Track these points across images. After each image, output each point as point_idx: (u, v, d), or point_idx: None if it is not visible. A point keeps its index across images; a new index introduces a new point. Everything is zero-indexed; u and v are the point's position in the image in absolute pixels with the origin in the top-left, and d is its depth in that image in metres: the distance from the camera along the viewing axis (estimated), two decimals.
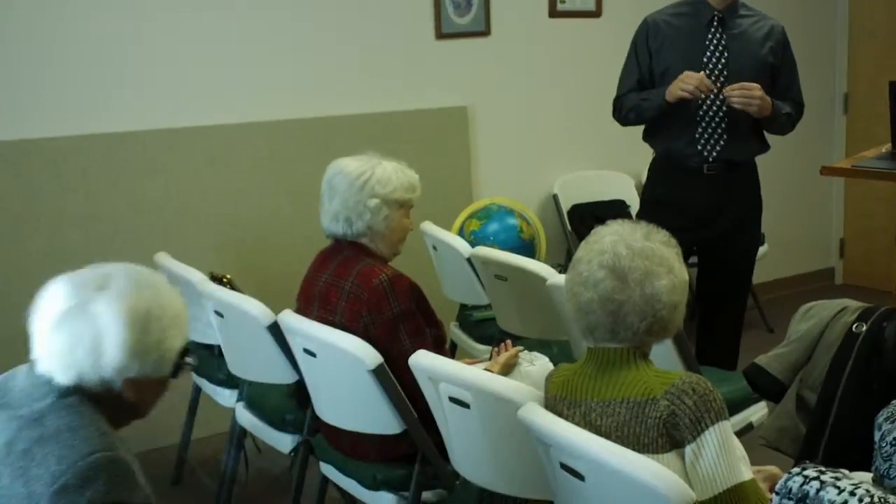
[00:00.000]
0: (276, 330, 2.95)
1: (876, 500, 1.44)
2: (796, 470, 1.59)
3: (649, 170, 3.99)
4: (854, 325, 2.46)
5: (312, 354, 2.80)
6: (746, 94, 3.55)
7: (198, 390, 3.80)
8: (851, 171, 3.62)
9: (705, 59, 3.67)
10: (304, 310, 2.92)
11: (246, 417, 3.35)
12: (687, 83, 3.55)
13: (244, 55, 4.37)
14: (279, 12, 4.43)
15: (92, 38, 4.04)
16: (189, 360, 1.94)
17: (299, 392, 3.08)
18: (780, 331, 2.75)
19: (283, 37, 4.45)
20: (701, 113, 3.68)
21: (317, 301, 2.89)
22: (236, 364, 3.30)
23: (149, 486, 1.78)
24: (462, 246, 3.82)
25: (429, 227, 4.08)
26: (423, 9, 4.80)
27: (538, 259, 4.29)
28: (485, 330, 4.01)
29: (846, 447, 2.34)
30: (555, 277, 3.14)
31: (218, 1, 4.30)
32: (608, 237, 2.10)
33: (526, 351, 3.05)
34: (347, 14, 4.59)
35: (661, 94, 3.67)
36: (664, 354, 2.66)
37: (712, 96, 3.64)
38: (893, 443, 1.58)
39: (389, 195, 2.86)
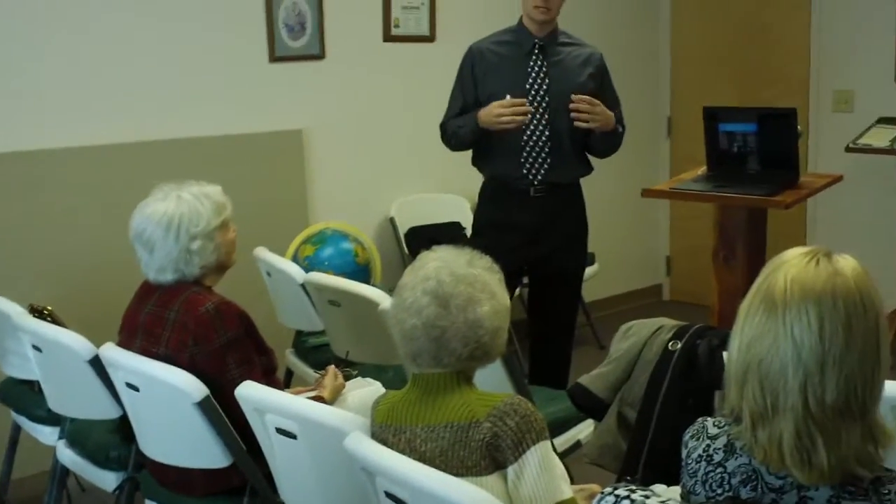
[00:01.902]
0: (97, 364, 2.85)
1: None
2: (608, 489, 1.63)
3: (480, 193, 4.05)
4: (670, 343, 2.55)
5: (135, 388, 2.72)
6: (591, 110, 3.67)
7: (17, 428, 3.63)
8: (669, 193, 3.75)
9: (527, 86, 3.76)
10: (126, 342, 2.83)
11: (67, 455, 3.22)
12: (501, 113, 3.66)
13: (70, 78, 4.24)
14: (106, 34, 4.31)
15: None
16: None
17: (123, 427, 2.98)
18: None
19: (111, 59, 4.34)
20: (525, 138, 3.77)
21: (140, 332, 2.80)
22: (57, 400, 3.17)
23: None
24: (296, 272, 3.79)
25: (262, 253, 4.03)
26: (256, 32, 4.76)
27: (374, 283, 4.29)
28: (321, 356, 3.98)
29: (664, 462, 2.42)
30: (387, 302, 3.14)
31: (42, 24, 4.16)
32: (432, 263, 2.12)
33: (359, 377, 3.06)
34: (179, 37, 4.51)
35: (473, 119, 3.77)
36: (494, 376, 2.70)
37: (535, 121, 3.75)
38: (698, 459, 1.64)
39: (206, 229, 2.76)
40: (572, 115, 3.69)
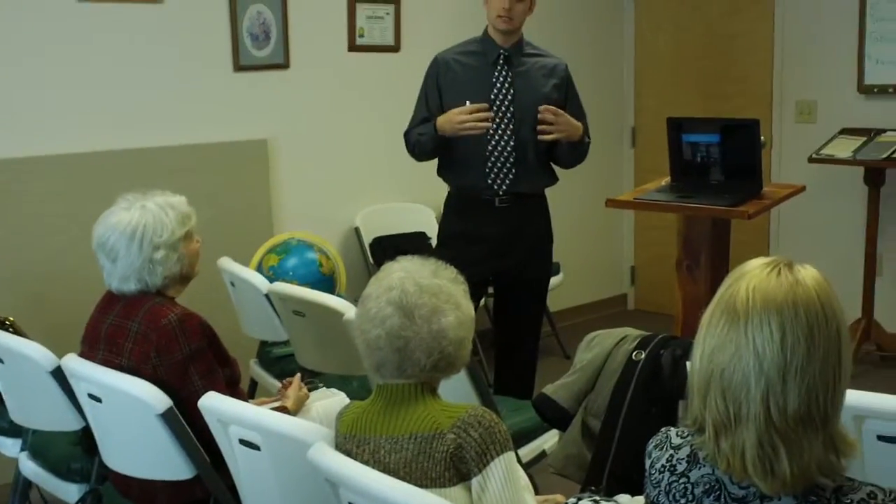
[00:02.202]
0: (59, 375, 2.83)
1: None
2: (573, 500, 1.63)
3: (445, 203, 4.05)
4: (634, 353, 2.56)
5: (98, 400, 2.69)
6: (559, 120, 3.68)
7: None
8: (633, 204, 3.77)
9: (492, 97, 3.77)
10: (88, 353, 2.80)
11: (30, 468, 3.18)
12: (464, 119, 3.66)
13: (34, 85, 4.20)
14: (70, 44, 4.28)
15: None
16: None
17: (86, 439, 2.95)
18: None
19: (75, 67, 4.31)
20: (490, 148, 3.78)
21: (102, 343, 2.78)
22: (19, 412, 3.14)
23: None
24: (260, 281, 3.78)
25: (226, 262, 4.01)
26: (221, 41, 4.74)
27: (338, 293, 4.28)
28: (285, 366, 3.97)
29: (628, 472, 2.43)
30: (352, 312, 3.14)
31: (5, 32, 4.12)
32: (397, 274, 2.12)
33: (324, 387, 3.05)
34: (142, 45, 4.49)
35: (432, 127, 3.78)
36: (459, 386, 2.70)
37: (500, 131, 3.76)
38: (662, 470, 1.64)
39: (170, 239, 2.75)
40: (538, 127, 3.70)
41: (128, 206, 2.76)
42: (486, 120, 3.67)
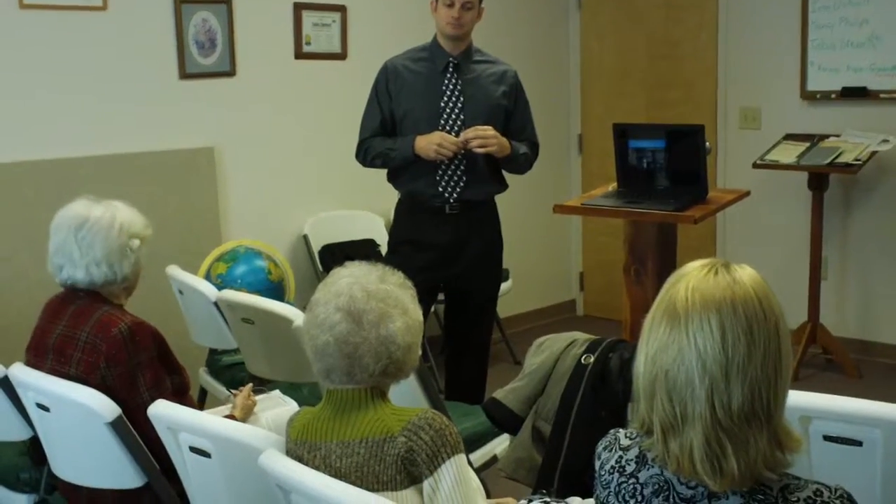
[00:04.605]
0: (6, 384, 2.80)
1: None
2: (524, 502, 1.64)
3: (395, 210, 4.07)
4: (583, 357, 2.58)
5: (46, 409, 2.67)
6: (482, 135, 3.70)
7: None
8: (581, 209, 3.79)
9: (442, 104, 3.79)
10: (35, 362, 2.78)
11: None
12: (442, 148, 3.70)
13: None
14: (10, 51, 4.24)
15: None
16: None
17: (34, 449, 2.93)
18: None
19: (15, 75, 4.26)
20: None
21: (50, 353, 2.75)
22: None
23: None
24: (208, 289, 3.75)
25: (174, 270, 3.98)
26: (166, 48, 4.71)
27: (287, 301, 4.27)
28: (235, 374, 3.95)
29: (579, 474, 2.44)
30: (301, 319, 3.12)
31: None
32: (345, 279, 2.13)
33: (274, 393, 3.04)
34: (86, 53, 4.45)
35: (409, 146, 3.78)
36: (410, 391, 2.71)
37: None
38: (611, 471, 1.66)
39: (142, 232, 2.81)
40: (472, 144, 3.73)
41: (90, 205, 2.78)
42: (453, 149, 3.73)
